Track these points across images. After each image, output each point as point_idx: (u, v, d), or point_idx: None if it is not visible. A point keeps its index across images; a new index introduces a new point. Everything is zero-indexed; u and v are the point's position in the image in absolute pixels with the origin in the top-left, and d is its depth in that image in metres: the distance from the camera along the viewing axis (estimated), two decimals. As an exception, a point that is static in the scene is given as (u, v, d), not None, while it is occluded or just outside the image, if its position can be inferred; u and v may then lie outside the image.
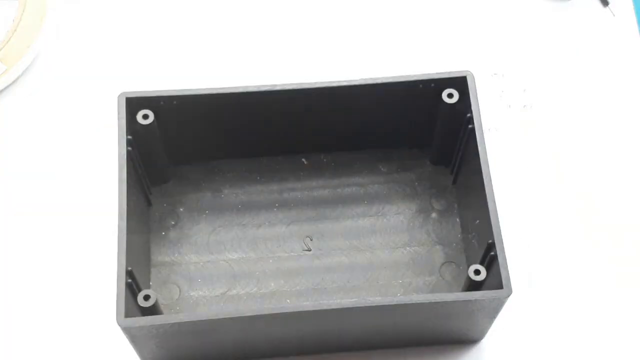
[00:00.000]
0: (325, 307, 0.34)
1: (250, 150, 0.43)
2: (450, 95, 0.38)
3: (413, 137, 0.42)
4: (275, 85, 0.39)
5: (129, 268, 0.34)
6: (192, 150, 0.42)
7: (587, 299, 0.41)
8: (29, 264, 0.41)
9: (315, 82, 0.38)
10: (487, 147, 0.37)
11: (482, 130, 0.37)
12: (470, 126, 0.37)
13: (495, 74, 0.46)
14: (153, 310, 0.34)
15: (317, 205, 0.42)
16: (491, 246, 0.35)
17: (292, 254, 0.41)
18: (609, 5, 0.50)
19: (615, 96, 0.48)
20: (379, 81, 0.37)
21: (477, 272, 0.35)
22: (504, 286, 0.34)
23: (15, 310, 0.40)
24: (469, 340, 0.40)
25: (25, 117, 0.45)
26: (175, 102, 0.39)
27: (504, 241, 0.35)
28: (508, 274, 0.34)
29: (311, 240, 0.42)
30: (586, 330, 0.40)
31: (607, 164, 0.46)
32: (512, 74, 0.45)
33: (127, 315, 0.33)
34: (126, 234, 0.34)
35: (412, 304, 0.34)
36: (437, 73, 0.35)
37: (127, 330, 0.33)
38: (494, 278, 0.34)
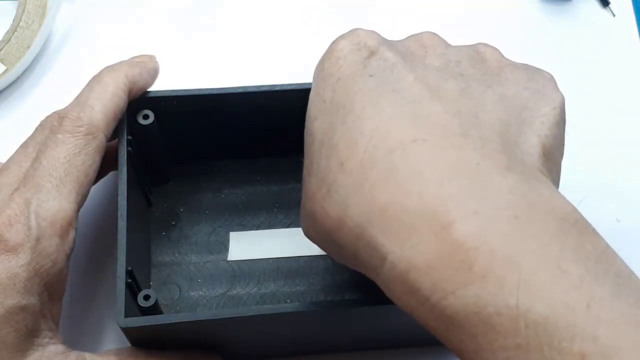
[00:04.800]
0: (325, 307, 0.34)
1: (250, 150, 0.43)
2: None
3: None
4: (275, 85, 0.39)
5: (129, 268, 0.34)
6: (192, 150, 0.42)
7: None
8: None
9: (316, 82, 0.38)
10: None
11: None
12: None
13: (495, 74, 0.46)
14: (153, 310, 0.34)
15: (317, 205, 0.43)
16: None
17: (292, 254, 0.41)
18: (609, 6, 0.50)
19: (615, 96, 0.48)
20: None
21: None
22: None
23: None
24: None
25: (25, 117, 0.45)
26: (175, 102, 0.39)
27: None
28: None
29: (311, 240, 0.41)
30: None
31: (607, 164, 0.46)
32: (512, 74, 0.44)
33: (127, 315, 0.33)
34: (126, 234, 0.34)
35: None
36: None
37: (127, 330, 0.33)
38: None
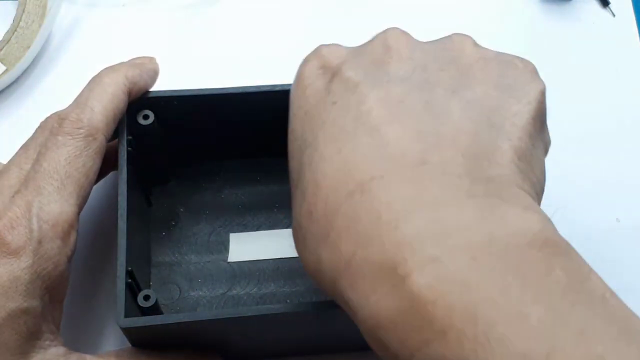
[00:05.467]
0: (325, 307, 0.34)
1: (250, 150, 0.43)
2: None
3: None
4: (275, 85, 0.39)
5: (129, 268, 0.34)
6: (192, 150, 0.42)
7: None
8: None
9: (315, 82, 0.38)
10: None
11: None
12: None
13: (495, 74, 0.46)
14: (153, 310, 0.34)
15: (317, 205, 0.42)
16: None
17: (292, 254, 0.41)
18: (609, 6, 0.50)
19: (615, 96, 0.48)
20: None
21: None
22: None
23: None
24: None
25: (25, 117, 0.45)
26: (175, 102, 0.39)
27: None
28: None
29: (311, 240, 0.41)
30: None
31: (608, 164, 0.46)
32: (512, 74, 0.44)
33: (127, 315, 0.33)
34: (126, 234, 0.34)
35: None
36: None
37: (127, 330, 0.33)
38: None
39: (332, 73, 0.30)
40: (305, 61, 0.32)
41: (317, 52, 0.32)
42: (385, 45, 0.31)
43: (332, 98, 0.29)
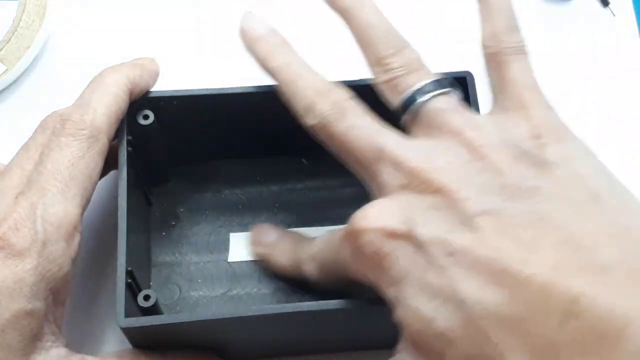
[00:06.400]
0: (325, 307, 0.34)
1: (250, 150, 0.43)
2: (450, 95, 0.38)
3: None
4: (276, 85, 0.39)
5: (129, 268, 0.34)
6: (192, 150, 0.42)
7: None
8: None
9: (315, 82, 0.38)
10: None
11: (482, 130, 0.37)
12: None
13: (495, 74, 0.46)
14: (153, 310, 0.34)
15: (318, 206, 0.43)
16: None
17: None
18: (609, 5, 0.50)
19: (615, 96, 0.48)
20: (379, 81, 0.37)
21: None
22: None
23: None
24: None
25: (26, 117, 0.45)
26: (175, 102, 0.39)
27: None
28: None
29: (311, 240, 0.41)
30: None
31: (609, 164, 0.45)
32: (512, 74, 0.44)
33: (127, 315, 0.33)
34: (126, 234, 0.34)
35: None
36: (436, 73, 0.35)
37: (127, 330, 0.33)
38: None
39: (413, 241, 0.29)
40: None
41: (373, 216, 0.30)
42: (464, 144, 0.30)
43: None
